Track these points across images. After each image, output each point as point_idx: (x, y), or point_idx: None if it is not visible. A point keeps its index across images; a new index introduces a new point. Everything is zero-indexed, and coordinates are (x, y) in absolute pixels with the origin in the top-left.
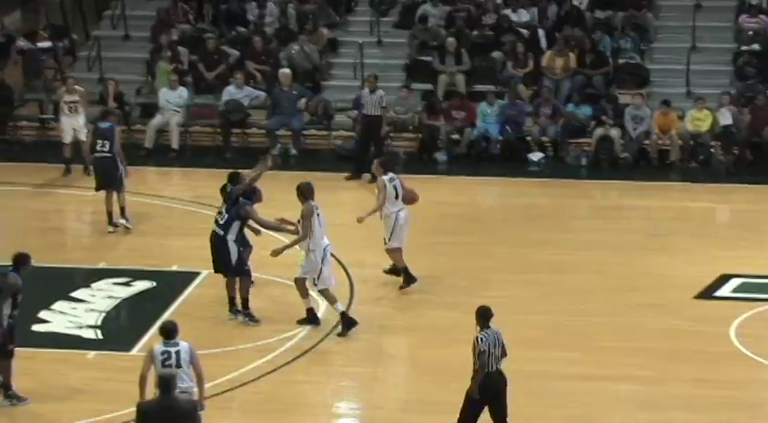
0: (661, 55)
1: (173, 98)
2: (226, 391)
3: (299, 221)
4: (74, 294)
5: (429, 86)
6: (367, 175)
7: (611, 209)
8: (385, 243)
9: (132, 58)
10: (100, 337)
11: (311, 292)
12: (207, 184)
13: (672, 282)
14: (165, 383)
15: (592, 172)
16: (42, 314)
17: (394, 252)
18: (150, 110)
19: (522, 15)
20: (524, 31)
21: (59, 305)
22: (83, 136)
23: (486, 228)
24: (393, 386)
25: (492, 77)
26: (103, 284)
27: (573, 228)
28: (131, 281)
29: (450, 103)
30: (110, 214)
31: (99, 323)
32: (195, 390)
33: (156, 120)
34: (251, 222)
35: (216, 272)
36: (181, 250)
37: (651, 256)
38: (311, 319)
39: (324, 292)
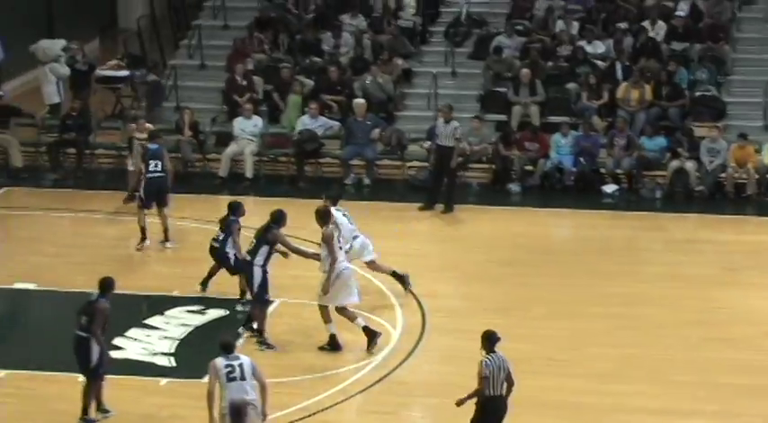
0: (738, 87)
1: (247, 127)
2: (296, 421)
3: (320, 246)
4: (148, 321)
5: (503, 117)
6: (440, 206)
7: (685, 242)
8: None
9: (208, 87)
10: (173, 364)
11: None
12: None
13: (746, 317)
14: (236, 411)
15: (666, 205)
16: (117, 341)
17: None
18: (225, 139)
19: (598, 47)
20: (600, 63)
21: (134, 332)
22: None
23: (559, 260)
24: (465, 417)
25: (566, 109)
26: (177, 312)
27: (646, 260)
28: (204, 309)
29: (524, 135)
30: (143, 230)
31: (172, 350)
32: (259, 401)
33: (231, 148)
34: (278, 246)
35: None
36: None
37: (725, 290)
38: (333, 345)
39: (323, 309)
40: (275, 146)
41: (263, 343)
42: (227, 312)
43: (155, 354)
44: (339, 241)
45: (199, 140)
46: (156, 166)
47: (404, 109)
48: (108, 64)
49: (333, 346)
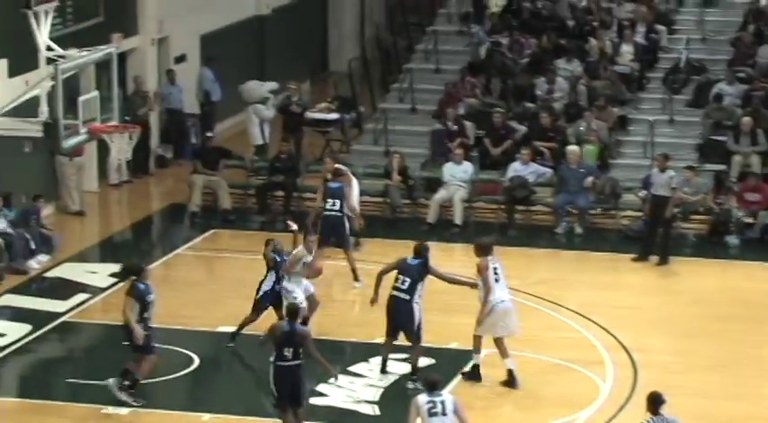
0: None
1: (457, 173)
2: None
3: (477, 277)
4: (352, 368)
5: (722, 167)
6: (654, 258)
7: None
8: None
9: (418, 131)
10: (377, 413)
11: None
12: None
13: None
14: None
15: None
16: (321, 387)
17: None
18: (434, 184)
19: None
20: None
21: (338, 379)
22: (350, 211)
23: None
24: None
25: None
26: (382, 359)
27: None
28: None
29: (744, 185)
30: (353, 271)
31: (377, 399)
32: None
33: (440, 194)
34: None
35: (388, 336)
36: (461, 327)
37: None
38: (473, 374)
39: (477, 338)
40: (485, 192)
41: (418, 381)
42: (434, 361)
43: (358, 402)
44: (496, 274)
45: (408, 185)
46: (333, 204)
47: (618, 157)
48: (318, 106)
49: (473, 375)
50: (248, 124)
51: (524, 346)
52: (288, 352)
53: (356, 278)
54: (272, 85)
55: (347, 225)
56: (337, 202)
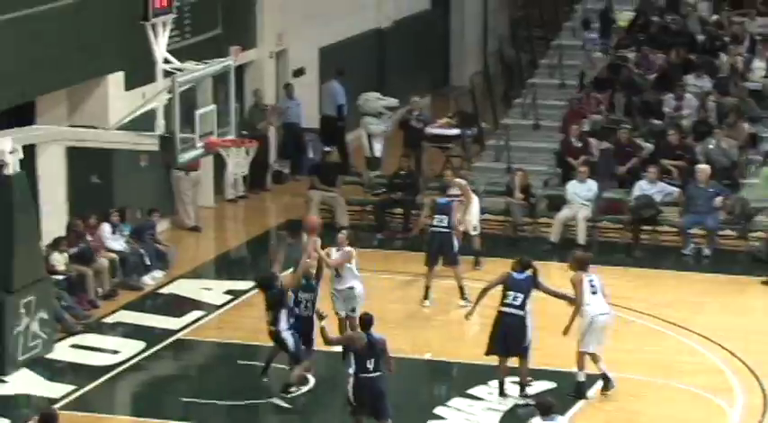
0: None
1: (581, 191)
2: None
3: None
4: (471, 391)
5: None
6: None
7: None
8: None
9: (541, 147)
10: None
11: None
12: (614, 283)
13: None
14: None
15: None
16: (438, 410)
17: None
18: (557, 202)
19: None
20: None
21: (456, 402)
22: (471, 228)
23: None
24: None
25: None
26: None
27: None
28: (531, 380)
29: None
30: (427, 289)
31: None
32: None
33: (564, 213)
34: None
35: (502, 355)
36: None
37: None
38: (579, 392)
39: (581, 355)
40: (610, 211)
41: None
42: (555, 385)
43: None
44: (593, 287)
45: (530, 203)
46: (441, 220)
47: (750, 176)
48: (438, 122)
49: (578, 393)
50: (361, 137)
51: (650, 371)
52: (370, 364)
53: (462, 296)
54: (392, 101)
55: (455, 242)
56: (445, 219)
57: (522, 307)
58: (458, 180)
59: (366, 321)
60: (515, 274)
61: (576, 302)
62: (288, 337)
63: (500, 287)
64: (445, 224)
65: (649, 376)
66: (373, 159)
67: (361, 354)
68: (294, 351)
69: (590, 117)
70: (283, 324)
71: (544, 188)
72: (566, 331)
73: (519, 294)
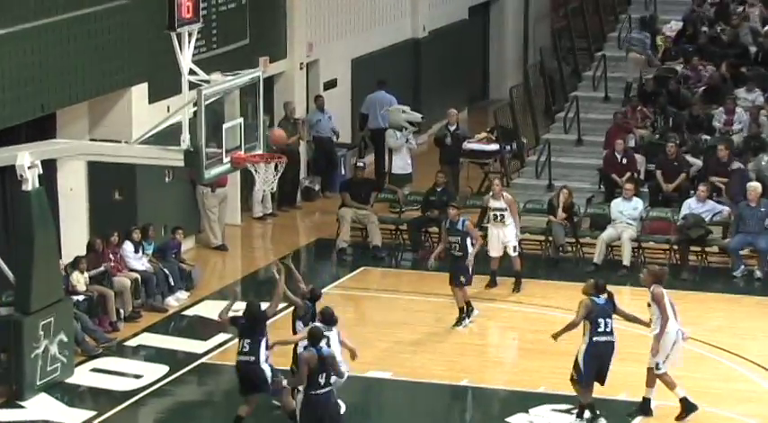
0: None
1: (626, 210)
2: None
3: (649, 305)
4: (510, 419)
5: None
6: None
7: None
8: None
9: (584, 164)
10: None
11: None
12: None
13: None
14: None
15: None
16: None
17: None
18: (601, 222)
19: None
20: None
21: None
22: (511, 249)
23: None
24: None
25: None
26: (543, 411)
27: None
28: (573, 408)
29: None
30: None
31: None
32: None
33: (607, 233)
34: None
35: (589, 382)
36: (629, 376)
37: None
38: (644, 409)
39: (663, 376)
40: (656, 231)
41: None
42: (598, 412)
43: None
44: (671, 304)
45: (572, 223)
46: (454, 244)
47: None
48: (476, 137)
49: (644, 410)
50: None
51: (698, 398)
52: (321, 378)
53: (460, 319)
54: (415, 116)
55: (468, 264)
56: (457, 241)
57: (612, 332)
58: (506, 194)
59: (313, 335)
60: (598, 300)
61: (649, 325)
62: (266, 368)
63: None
64: (458, 248)
65: (698, 404)
66: (392, 176)
67: (313, 371)
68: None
69: (635, 132)
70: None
71: (587, 207)
72: (654, 351)
73: (608, 320)
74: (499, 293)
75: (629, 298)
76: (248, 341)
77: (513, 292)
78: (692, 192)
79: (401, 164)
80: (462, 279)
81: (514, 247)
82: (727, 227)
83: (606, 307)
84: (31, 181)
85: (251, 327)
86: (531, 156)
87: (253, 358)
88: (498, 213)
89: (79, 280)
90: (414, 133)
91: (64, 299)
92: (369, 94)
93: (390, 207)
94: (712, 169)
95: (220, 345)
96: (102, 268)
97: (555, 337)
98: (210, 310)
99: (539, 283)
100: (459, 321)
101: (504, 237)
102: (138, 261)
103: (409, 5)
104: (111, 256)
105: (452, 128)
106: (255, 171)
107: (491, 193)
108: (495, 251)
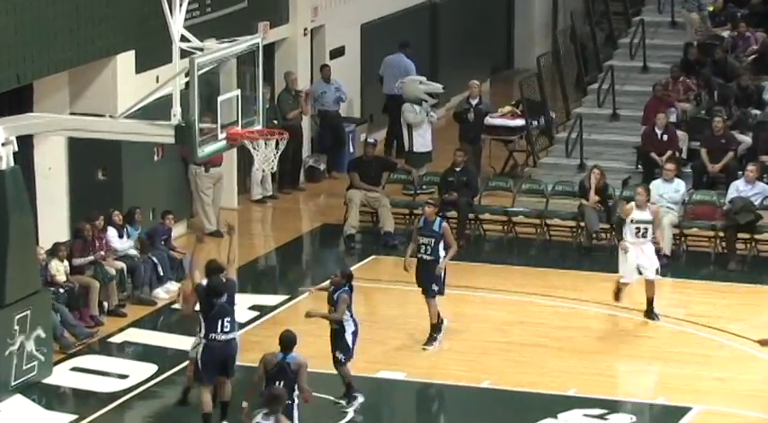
0: None
1: (667, 192)
2: None
3: None
4: None
5: None
6: None
7: None
8: None
9: (620, 141)
10: None
11: None
12: (704, 300)
13: None
14: None
15: None
16: None
17: None
18: None
19: None
20: None
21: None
22: (653, 272)
23: None
24: None
25: None
26: (573, 416)
27: None
28: (607, 413)
29: None
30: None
31: None
32: None
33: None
34: None
35: None
36: (668, 379)
37: None
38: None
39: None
40: (700, 216)
41: None
42: (634, 419)
43: None
44: None
45: (607, 207)
46: (426, 247)
47: None
48: (500, 111)
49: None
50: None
51: (748, 403)
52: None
53: (432, 337)
54: (435, 86)
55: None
56: (431, 243)
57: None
58: (653, 205)
59: (287, 340)
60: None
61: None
62: None
63: None
64: (430, 252)
65: (745, 409)
66: (412, 155)
67: (268, 375)
68: None
69: (677, 105)
70: None
71: (623, 189)
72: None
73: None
74: (523, 284)
75: (669, 290)
76: (228, 319)
77: (645, 316)
78: (741, 172)
79: (421, 141)
80: (435, 288)
81: (657, 270)
82: None
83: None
84: (5, 159)
85: (230, 302)
86: (561, 132)
87: (235, 336)
88: (642, 227)
89: (59, 269)
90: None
91: (41, 290)
92: (386, 55)
93: (404, 189)
94: (763, 147)
95: None
96: (91, 257)
97: None
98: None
99: (569, 274)
100: (430, 340)
101: (644, 257)
102: (123, 245)
103: None
104: (95, 242)
105: (474, 101)
106: (254, 148)
107: (634, 203)
108: (629, 275)
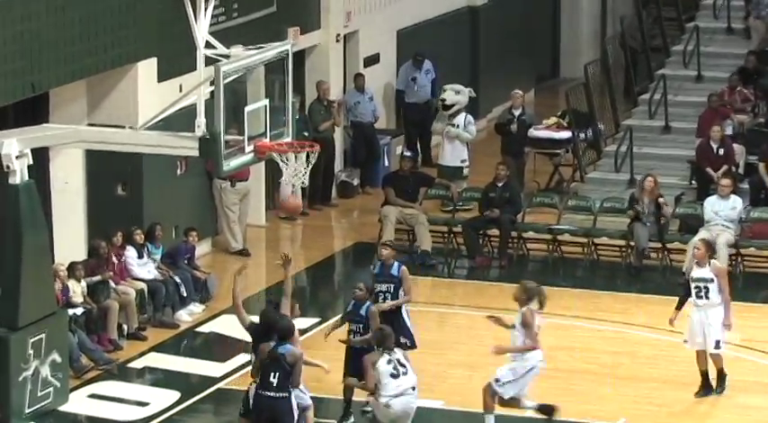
0: None
1: (723, 210)
2: None
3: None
4: None
5: None
6: None
7: None
8: None
9: (672, 155)
10: None
11: None
12: (762, 325)
13: None
14: None
15: None
16: None
17: None
18: (692, 223)
19: None
20: None
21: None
22: (712, 344)
23: None
24: None
25: None
26: None
27: None
28: None
29: None
30: None
31: None
32: None
33: (701, 236)
34: None
35: None
36: (722, 409)
37: None
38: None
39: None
40: (758, 235)
41: None
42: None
43: None
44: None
45: (659, 224)
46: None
47: None
48: (545, 123)
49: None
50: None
51: None
52: (273, 378)
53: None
54: (464, 93)
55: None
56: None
57: None
58: (717, 263)
59: (284, 329)
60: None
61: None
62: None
63: None
64: (389, 299)
65: None
66: (445, 168)
67: (263, 364)
68: None
69: (734, 117)
70: None
71: (676, 206)
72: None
73: None
74: (569, 306)
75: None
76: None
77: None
78: None
79: (457, 154)
80: (405, 342)
81: (717, 343)
82: None
83: None
84: (19, 173)
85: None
86: (610, 145)
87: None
88: (702, 286)
89: (75, 290)
90: (472, 116)
91: (58, 312)
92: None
93: (442, 205)
94: None
95: (240, 367)
96: (98, 277)
97: None
98: (229, 325)
99: (618, 297)
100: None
101: (708, 324)
102: (142, 268)
103: None
104: (114, 260)
105: (517, 112)
106: (283, 162)
107: (693, 259)
108: (693, 342)
